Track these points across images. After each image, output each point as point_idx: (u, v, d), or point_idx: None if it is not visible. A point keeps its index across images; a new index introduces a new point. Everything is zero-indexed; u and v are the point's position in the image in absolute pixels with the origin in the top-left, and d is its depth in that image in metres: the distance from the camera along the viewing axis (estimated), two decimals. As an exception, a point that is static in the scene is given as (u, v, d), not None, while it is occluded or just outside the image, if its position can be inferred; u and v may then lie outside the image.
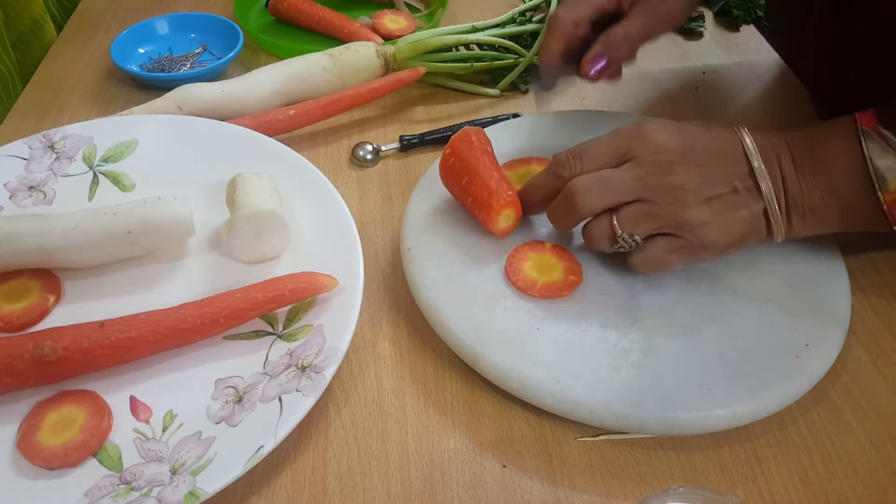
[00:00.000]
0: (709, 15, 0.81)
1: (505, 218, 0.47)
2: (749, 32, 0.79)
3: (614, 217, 0.43)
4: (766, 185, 0.43)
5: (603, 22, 0.53)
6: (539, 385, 0.40)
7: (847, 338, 0.47)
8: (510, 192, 0.47)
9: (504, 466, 0.40)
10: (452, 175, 0.49)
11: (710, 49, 0.76)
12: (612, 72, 0.54)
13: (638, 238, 0.43)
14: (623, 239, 0.43)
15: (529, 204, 0.48)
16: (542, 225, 0.51)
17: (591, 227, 0.45)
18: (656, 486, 0.40)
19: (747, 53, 0.76)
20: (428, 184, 0.53)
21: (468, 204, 0.49)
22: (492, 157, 0.49)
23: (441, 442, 0.42)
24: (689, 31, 0.78)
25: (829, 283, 0.47)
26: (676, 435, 0.40)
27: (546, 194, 0.47)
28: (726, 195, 0.43)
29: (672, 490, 0.33)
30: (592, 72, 0.52)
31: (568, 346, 0.43)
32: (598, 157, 0.45)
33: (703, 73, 0.72)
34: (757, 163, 0.43)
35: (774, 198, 0.43)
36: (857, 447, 0.42)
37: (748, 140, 0.43)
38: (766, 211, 0.43)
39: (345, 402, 0.44)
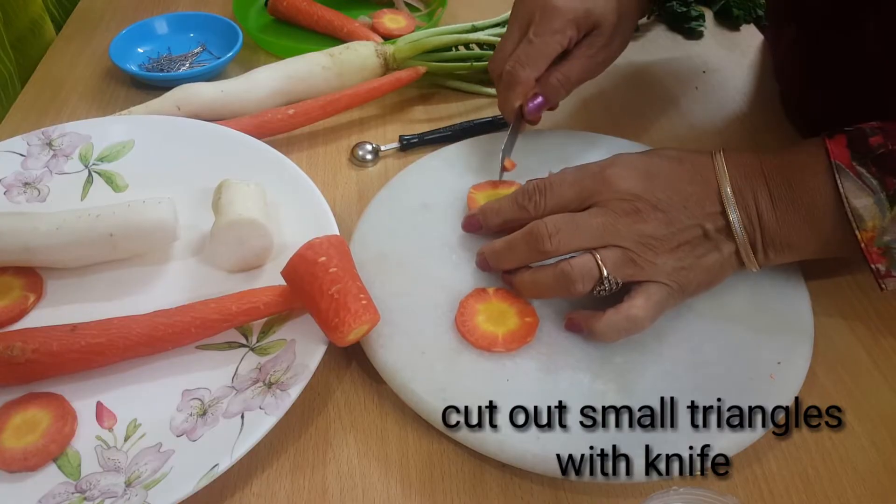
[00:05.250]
0: (709, 14, 0.81)
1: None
2: (749, 32, 0.79)
3: (598, 257, 0.41)
4: (738, 226, 0.42)
5: None
6: (518, 444, 0.38)
7: (849, 338, 0.47)
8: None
9: (504, 466, 0.40)
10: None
11: (710, 49, 0.76)
12: (548, 107, 0.55)
13: (620, 281, 0.42)
14: (608, 280, 0.41)
15: (486, 225, 0.48)
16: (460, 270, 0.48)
17: (571, 267, 0.42)
18: (657, 487, 0.40)
19: (747, 53, 0.76)
20: (368, 227, 0.50)
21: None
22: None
23: (441, 442, 0.42)
24: (690, 31, 0.78)
25: (789, 296, 0.46)
26: (663, 480, 0.39)
27: (506, 220, 0.46)
28: (696, 240, 0.42)
29: (673, 490, 0.33)
30: (531, 111, 0.53)
31: (542, 398, 0.40)
32: (562, 195, 0.44)
33: (704, 72, 0.72)
34: (733, 214, 0.42)
35: (747, 237, 0.43)
36: (857, 447, 0.42)
37: (726, 187, 0.43)
38: (738, 251, 0.43)
39: (344, 402, 0.44)
